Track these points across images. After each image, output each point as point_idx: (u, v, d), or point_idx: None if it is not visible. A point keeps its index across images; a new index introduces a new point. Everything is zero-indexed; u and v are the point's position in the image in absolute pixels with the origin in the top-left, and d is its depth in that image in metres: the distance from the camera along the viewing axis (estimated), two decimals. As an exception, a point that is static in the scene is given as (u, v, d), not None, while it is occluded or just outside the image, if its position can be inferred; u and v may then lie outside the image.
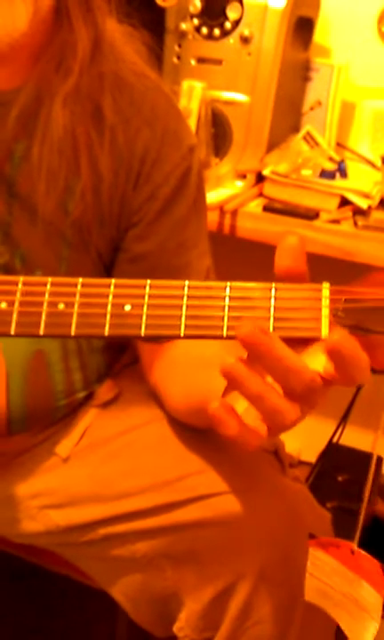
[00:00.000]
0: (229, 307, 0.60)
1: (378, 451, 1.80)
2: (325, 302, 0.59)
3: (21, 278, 0.63)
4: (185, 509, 0.94)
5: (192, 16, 1.47)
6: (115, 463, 1.01)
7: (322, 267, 1.15)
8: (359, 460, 1.78)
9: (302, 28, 1.52)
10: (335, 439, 1.84)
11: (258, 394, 0.58)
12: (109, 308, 0.62)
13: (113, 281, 0.62)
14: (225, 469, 0.95)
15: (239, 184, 1.49)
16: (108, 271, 0.97)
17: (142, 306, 0.61)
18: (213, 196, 1.39)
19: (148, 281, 0.62)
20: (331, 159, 1.53)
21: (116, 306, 0.62)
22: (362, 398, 1.70)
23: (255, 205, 1.42)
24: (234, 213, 1.39)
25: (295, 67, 1.57)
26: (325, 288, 0.60)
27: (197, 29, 1.47)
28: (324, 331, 0.59)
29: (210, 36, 1.47)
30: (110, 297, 0.62)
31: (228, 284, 0.61)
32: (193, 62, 1.50)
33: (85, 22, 0.86)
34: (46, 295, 0.63)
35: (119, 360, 1.11)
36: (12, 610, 1.62)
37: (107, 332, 0.61)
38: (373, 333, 0.58)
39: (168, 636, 1.01)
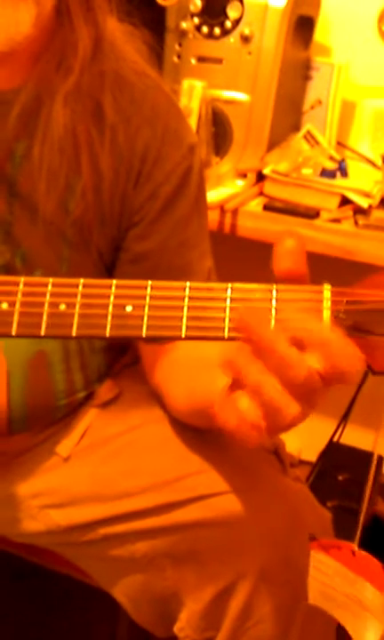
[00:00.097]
0: (231, 308, 0.60)
1: (378, 450, 1.81)
2: (327, 304, 0.59)
3: (22, 279, 0.63)
4: (185, 509, 0.94)
5: (192, 15, 1.47)
6: (115, 463, 1.01)
7: (322, 266, 1.15)
8: (360, 459, 1.77)
9: (303, 26, 1.52)
10: (336, 438, 1.84)
11: (256, 382, 0.58)
12: (111, 308, 0.62)
13: (114, 282, 0.62)
14: (225, 469, 0.94)
15: (240, 183, 1.49)
16: (109, 271, 0.97)
17: (143, 307, 0.61)
18: (214, 195, 1.39)
19: (150, 282, 0.62)
20: (331, 158, 1.53)
21: (118, 307, 0.62)
22: (362, 397, 1.70)
23: (256, 204, 1.42)
24: (234, 212, 1.39)
25: (295, 66, 1.57)
26: (327, 290, 0.60)
27: (198, 28, 1.47)
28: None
29: (210, 35, 1.47)
30: (111, 298, 0.62)
31: (230, 285, 0.61)
32: (193, 61, 1.50)
33: (86, 21, 0.86)
34: (47, 296, 0.63)
35: (120, 360, 1.10)
36: (13, 609, 1.62)
37: (108, 332, 0.61)
38: (374, 335, 0.58)
39: (169, 636, 1.01)
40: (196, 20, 1.47)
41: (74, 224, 0.91)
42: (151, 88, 0.94)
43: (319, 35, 1.64)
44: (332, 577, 0.86)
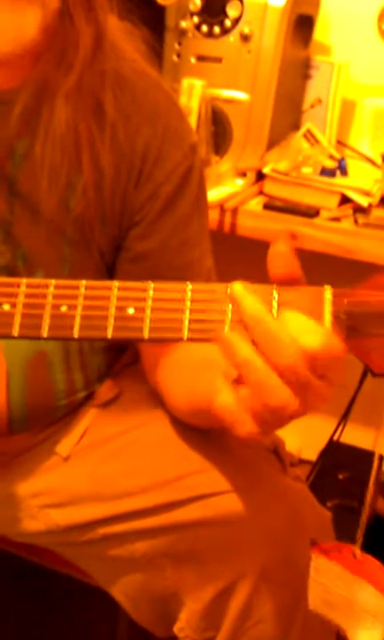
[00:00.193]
0: (232, 310, 0.60)
1: (379, 449, 1.81)
2: (328, 305, 0.59)
3: (24, 280, 0.63)
4: (185, 509, 0.94)
5: (192, 14, 1.47)
6: (115, 462, 1.01)
7: (322, 264, 1.16)
8: (360, 458, 1.78)
9: (302, 25, 1.52)
10: (336, 437, 1.84)
11: (244, 359, 0.59)
12: (112, 310, 0.62)
13: (116, 284, 0.62)
14: (225, 469, 0.94)
15: (239, 182, 1.49)
16: (111, 271, 0.97)
17: (145, 309, 0.61)
18: (214, 195, 1.39)
19: (152, 284, 0.62)
20: (331, 157, 1.53)
21: (120, 309, 0.62)
22: (362, 396, 1.70)
23: (255, 203, 1.42)
24: (234, 211, 1.39)
25: (295, 64, 1.57)
26: (327, 291, 0.60)
27: (197, 27, 1.47)
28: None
29: (210, 34, 1.47)
30: (113, 300, 0.62)
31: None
32: (193, 60, 1.49)
33: (87, 20, 0.86)
34: (49, 297, 0.63)
35: (120, 360, 1.10)
36: (13, 609, 1.62)
37: (110, 334, 0.61)
38: (374, 336, 0.59)
39: (169, 636, 1.01)
40: (196, 18, 1.47)
41: (75, 222, 0.91)
42: (152, 87, 0.94)
43: (319, 33, 1.64)
44: (332, 581, 0.86)
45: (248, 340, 0.59)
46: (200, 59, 1.49)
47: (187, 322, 0.60)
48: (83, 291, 0.62)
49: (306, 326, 0.59)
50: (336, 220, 1.37)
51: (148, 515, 0.95)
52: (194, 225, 0.97)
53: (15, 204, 0.90)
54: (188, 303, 0.61)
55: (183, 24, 1.47)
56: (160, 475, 0.96)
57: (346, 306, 0.59)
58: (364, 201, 1.38)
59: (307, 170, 1.45)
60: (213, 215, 1.36)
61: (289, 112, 1.61)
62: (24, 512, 1.04)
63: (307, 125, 1.57)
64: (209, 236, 1.01)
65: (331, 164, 1.47)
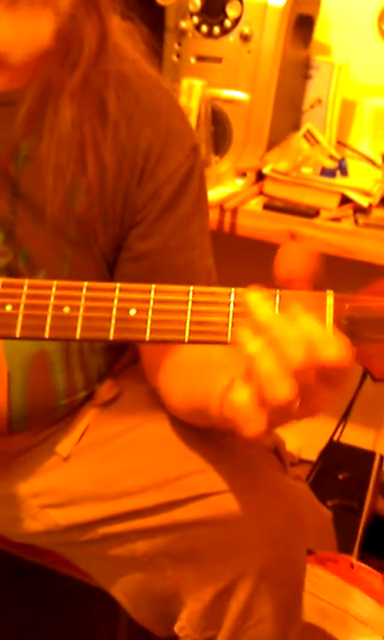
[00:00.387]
0: (234, 313, 0.61)
1: (379, 449, 1.81)
2: (329, 310, 0.60)
3: (27, 281, 0.64)
4: (185, 508, 0.94)
5: (192, 14, 1.47)
6: (115, 462, 1.01)
7: (322, 265, 1.15)
8: (360, 458, 1.78)
9: (302, 25, 1.52)
10: (336, 437, 1.84)
11: (258, 351, 0.60)
12: (114, 312, 0.62)
13: (118, 285, 0.62)
14: (225, 468, 0.94)
15: (239, 182, 1.49)
16: (112, 271, 0.97)
17: (147, 310, 0.61)
18: (214, 195, 1.39)
19: (153, 286, 0.62)
20: (331, 157, 1.52)
21: (121, 310, 0.62)
22: (362, 396, 1.70)
23: (255, 203, 1.42)
24: (234, 211, 1.39)
25: (295, 65, 1.57)
26: (329, 296, 0.60)
27: (197, 27, 1.47)
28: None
29: (210, 34, 1.47)
30: (115, 301, 0.62)
31: (233, 290, 0.61)
32: (193, 60, 1.49)
33: (92, 19, 0.86)
34: (52, 298, 0.63)
35: (120, 360, 1.10)
36: (12, 609, 1.62)
37: (112, 335, 0.61)
38: (374, 342, 0.59)
39: (169, 635, 1.01)
40: (196, 19, 1.47)
41: (78, 223, 0.91)
42: (154, 88, 0.94)
43: (319, 34, 1.64)
44: (328, 592, 0.86)
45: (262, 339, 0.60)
46: (200, 59, 1.49)
47: (188, 323, 0.61)
48: (85, 292, 0.62)
49: (323, 336, 0.59)
50: (336, 220, 1.37)
51: (148, 514, 0.95)
52: (194, 225, 0.97)
53: (18, 204, 0.90)
54: (190, 305, 0.61)
55: (183, 24, 1.47)
56: (160, 474, 0.96)
57: (347, 311, 0.60)
58: (364, 201, 1.38)
59: (307, 170, 1.45)
60: (213, 215, 1.36)
61: (289, 112, 1.61)
62: (24, 512, 1.04)
63: (307, 125, 1.57)
64: (209, 236, 1.01)
65: (331, 165, 1.47)
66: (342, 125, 1.64)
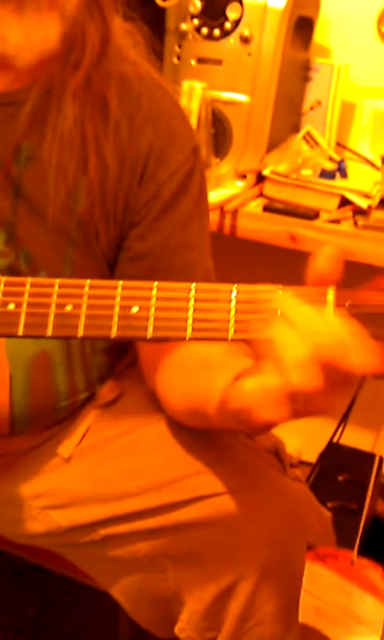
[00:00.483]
0: (236, 310, 0.61)
1: (379, 451, 1.81)
2: (330, 306, 0.60)
3: (29, 280, 0.64)
4: (186, 509, 0.94)
5: (192, 16, 1.47)
6: (116, 463, 1.01)
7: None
8: (359, 459, 1.78)
9: (302, 27, 1.52)
10: (335, 439, 1.84)
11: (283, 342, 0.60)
12: (117, 309, 0.62)
13: (120, 283, 0.63)
14: (226, 469, 0.95)
15: (239, 184, 1.49)
16: (112, 271, 0.97)
17: (149, 308, 0.62)
18: (214, 197, 1.39)
19: (155, 283, 0.62)
20: (331, 159, 1.53)
21: (124, 308, 0.62)
22: (362, 398, 1.70)
23: (255, 205, 1.42)
24: (234, 213, 1.39)
25: (295, 67, 1.57)
26: (330, 292, 0.60)
27: (197, 29, 1.47)
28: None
29: (210, 37, 1.47)
30: (117, 299, 0.62)
31: (235, 286, 0.61)
32: (193, 62, 1.50)
33: (94, 20, 0.86)
34: (54, 296, 0.63)
35: (121, 361, 1.10)
36: (13, 609, 1.62)
37: (114, 333, 0.62)
38: (375, 338, 0.59)
39: (170, 637, 1.01)
40: (196, 21, 1.47)
41: (79, 224, 0.92)
42: (155, 89, 0.94)
43: (319, 36, 1.64)
44: (326, 590, 0.86)
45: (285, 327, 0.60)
46: (200, 61, 1.49)
47: (190, 321, 0.61)
48: (87, 290, 0.63)
49: (357, 341, 0.59)
50: (336, 222, 1.37)
51: (149, 515, 0.95)
52: (194, 226, 0.97)
53: (19, 205, 0.90)
54: (192, 302, 0.61)
55: (183, 26, 1.48)
56: (161, 475, 0.96)
57: (348, 307, 0.60)
58: (363, 203, 1.38)
59: (306, 172, 1.45)
60: (213, 217, 1.36)
61: (289, 114, 1.61)
62: (25, 513, 1.04)
63: (306, 127, 1.58)
64: (209, 237, 1.02)
65: (330, 166, 1.47)
66: (342, 127, 1.64)
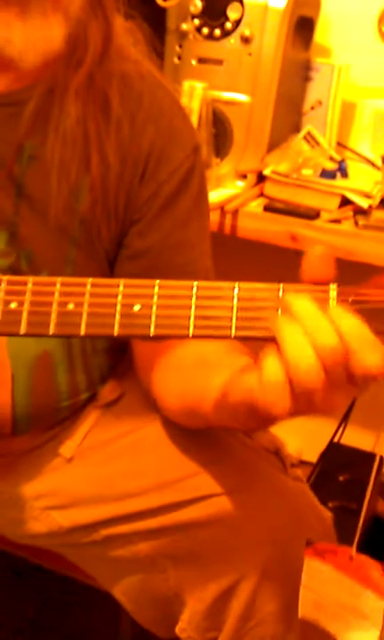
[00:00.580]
0: (238, 307, 0.61)
1: (379, 450, 1.81)
2: (333, 303, 0.60)
3: (31, 278, 0.64)
4: (187, 509, 0.94)
5: (193, 16, 1.47)
6: (118, 463, 1.01)
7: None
8: (360, 459, 1.78)
9: (303, 27, 1.52)
10: (336, 439, 1.84)
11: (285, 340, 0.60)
12: (119, 307, 0.62)
13: (122, 281, 0.63)
14: (227, 469, 0.95)
15: (240, 184, 1.49)
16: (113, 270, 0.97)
17: (151, 306, 0.62)
18: (214, 196, 1.39)
19: (157, 281, 0.62)
20: (331, 159, 1.53)
21: (126, 306, 0.62)
22: (363, 398, 1.69)
23: (256, 205, 1.42)
24: (235, 213, 1.39)
25: (296, 67, 1.57)
26: (333, 289, 0.60)
27: (198, 29, 1.47)
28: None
29: (210, 37, 1.47)
30: (119, 297, 0.62)
31: (237, 284, 0.61)
32: (194, 62, 1.50)
33: (97, 19, 0.87)
34: (56, 295, 0.63)
35: (122, 361, 1.10)
36: (13, 609, 1.62)
37: (116, 331, 0.62)
38: (377, 334, 0.59)
39: (171, 637, 1.01)
40: (197, 21, 1.47)
41: (81, 223, 0.91)
42: (156, 88, 0.94)
43: (319, 36, 1.64)
44: (326, 585, 0.86)
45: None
46: (201, 61, 1.49)
47: (192, 318, 0.61)
48: (89, 288, 0.63)
49: (367, 341, 0.59)
50: (336, 221, 1.37)
51: (150, 516, 0.95)
52: (193, 225, 0.97)
53: (22, 205, 0.90)
54: (194, 300, 0.61)
55: (184, 26, 1.48)
56: (162, 476, 0.96)
57: (350, 304, 0.60)
58: (364, 203, 1.38)
59: (307, 172, 1.45)
60: (214, 217, 1.36)
61: (289, 114, 1.61)
62: (27, 514, 1.04)
63: (307, 127, 1.58)
64: (209, 237, 1.02)
65: (331, 166, 1.47)
66: (342, 127, 1.64)
